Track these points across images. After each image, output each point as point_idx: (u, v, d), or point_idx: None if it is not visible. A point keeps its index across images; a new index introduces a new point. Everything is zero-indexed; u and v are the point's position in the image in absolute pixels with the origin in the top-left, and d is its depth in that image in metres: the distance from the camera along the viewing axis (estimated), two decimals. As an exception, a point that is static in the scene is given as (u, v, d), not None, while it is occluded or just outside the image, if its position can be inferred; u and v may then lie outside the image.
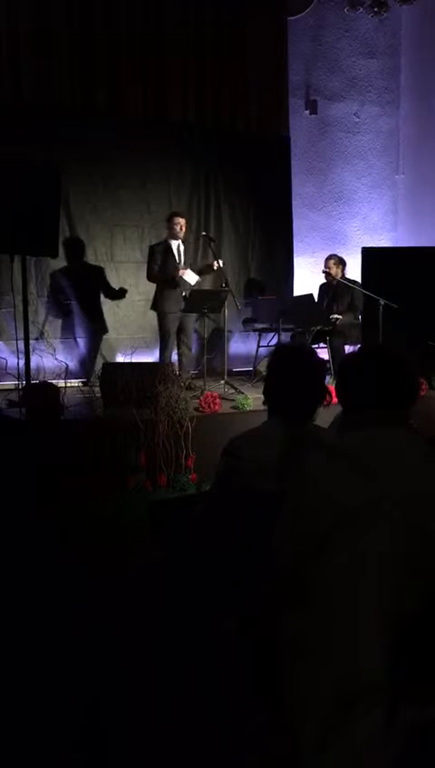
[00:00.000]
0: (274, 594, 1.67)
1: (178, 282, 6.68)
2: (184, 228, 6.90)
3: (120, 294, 7.27)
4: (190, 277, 6.70)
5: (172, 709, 2.12)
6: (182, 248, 6.92)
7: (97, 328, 7.38)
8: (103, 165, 7.34)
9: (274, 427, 2.30)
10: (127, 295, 7.46)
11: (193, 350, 7.11)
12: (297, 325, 7.21)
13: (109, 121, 7.38)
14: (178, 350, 6.95)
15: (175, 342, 6.89)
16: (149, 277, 6.94)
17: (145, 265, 7.47)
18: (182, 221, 6.89)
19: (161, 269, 6.79)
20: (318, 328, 7.16)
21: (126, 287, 7.34)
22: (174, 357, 6.96)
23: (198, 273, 6.88)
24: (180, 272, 6.67)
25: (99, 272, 7.42)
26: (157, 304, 6.89)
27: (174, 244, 6.86)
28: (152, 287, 7.45)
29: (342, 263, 7.56)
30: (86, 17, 7.24)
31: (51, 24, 7.05)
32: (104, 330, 7.41)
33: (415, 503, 1.60)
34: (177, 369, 6.74)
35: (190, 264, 6.95)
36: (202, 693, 1.94)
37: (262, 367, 6.89)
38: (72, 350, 7.28)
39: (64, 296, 7.24)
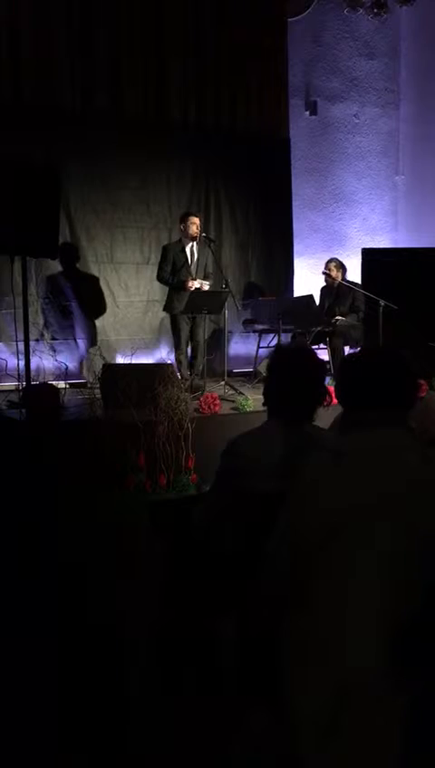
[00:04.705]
0: (274, 594, 1.67)
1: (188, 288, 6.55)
2: (199, 228, 6.75)
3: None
4: (202, 285, 6.65)
5: (173, 709, 2.12)
6: (196, 250, 6.79)
7: (97, 329, 7.37)
8: (103, 166, 7.31)
9: (274, 427, 2.30)
10: (127, 296, 7.44)
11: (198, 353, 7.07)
12: (297, 326, 7.20)
13: (109, 122, 7.36)
14: (193, 351, 6.88)
15: (187, 343, 6.84)
16: (159, 279, 6.86)
17: (145, 266, 7.43)
18: (197, 220, 6.76)
19: (173, 272, 6.71)
20: (318, 329, 7.16)
21: (126, 288, 7.33)
22: (174, 357, 6.95)
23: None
24: (190, 283, 6.56)
25: (99, 273, 7.40)
26: (169, 305, 6.82)
27: (188, 246, 6.75)
28: (153, 288, 7.42)
29: (342, 267, 7.55)
30: (86, 17, 7.23)
31: (51, 24, 7.04)
32: (104, 331, 7.40)
33: (415, 503, 1.60)
34: (186, 370, 6.70)
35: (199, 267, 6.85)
36: (203, 693, 1.95)
37: (262, 368, 6.87)
38: (72, 352, 7.27)
39: (64, 297, 7.22)
